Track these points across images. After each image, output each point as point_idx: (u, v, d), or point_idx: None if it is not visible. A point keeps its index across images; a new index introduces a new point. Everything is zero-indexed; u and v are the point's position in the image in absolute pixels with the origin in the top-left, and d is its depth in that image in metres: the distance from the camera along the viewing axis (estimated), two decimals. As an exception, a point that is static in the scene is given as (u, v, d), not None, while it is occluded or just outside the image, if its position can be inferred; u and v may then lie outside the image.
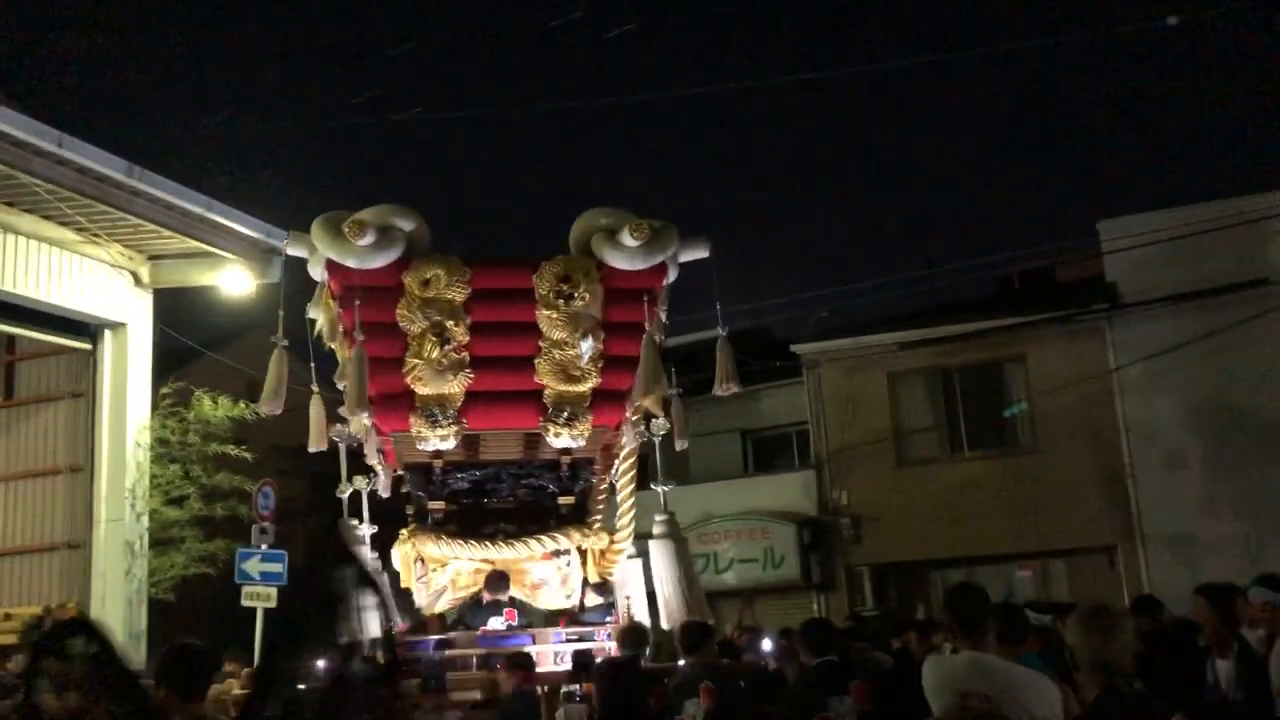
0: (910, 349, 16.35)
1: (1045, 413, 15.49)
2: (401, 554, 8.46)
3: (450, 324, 7.92)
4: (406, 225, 8.14)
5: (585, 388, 8.11)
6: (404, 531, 8.51)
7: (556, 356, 8.12)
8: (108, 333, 12.26)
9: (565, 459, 8.27)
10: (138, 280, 12.47)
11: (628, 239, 8.11)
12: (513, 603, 8.25)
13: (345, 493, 8.90)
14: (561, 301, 7.98)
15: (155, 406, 12.66)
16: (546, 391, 8.18)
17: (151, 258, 12.50)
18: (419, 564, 8.32)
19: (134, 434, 12.10)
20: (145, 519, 12.16)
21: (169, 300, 13.47)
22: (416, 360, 7.88)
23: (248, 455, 12.80)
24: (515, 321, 8.15)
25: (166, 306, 13.47)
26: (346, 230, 7.74)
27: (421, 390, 7.99)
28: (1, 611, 11.86)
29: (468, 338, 8.03)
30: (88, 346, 12.22)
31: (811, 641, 5.28)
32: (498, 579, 8.14)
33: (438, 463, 8.23)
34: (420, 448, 8.12)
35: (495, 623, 8.07)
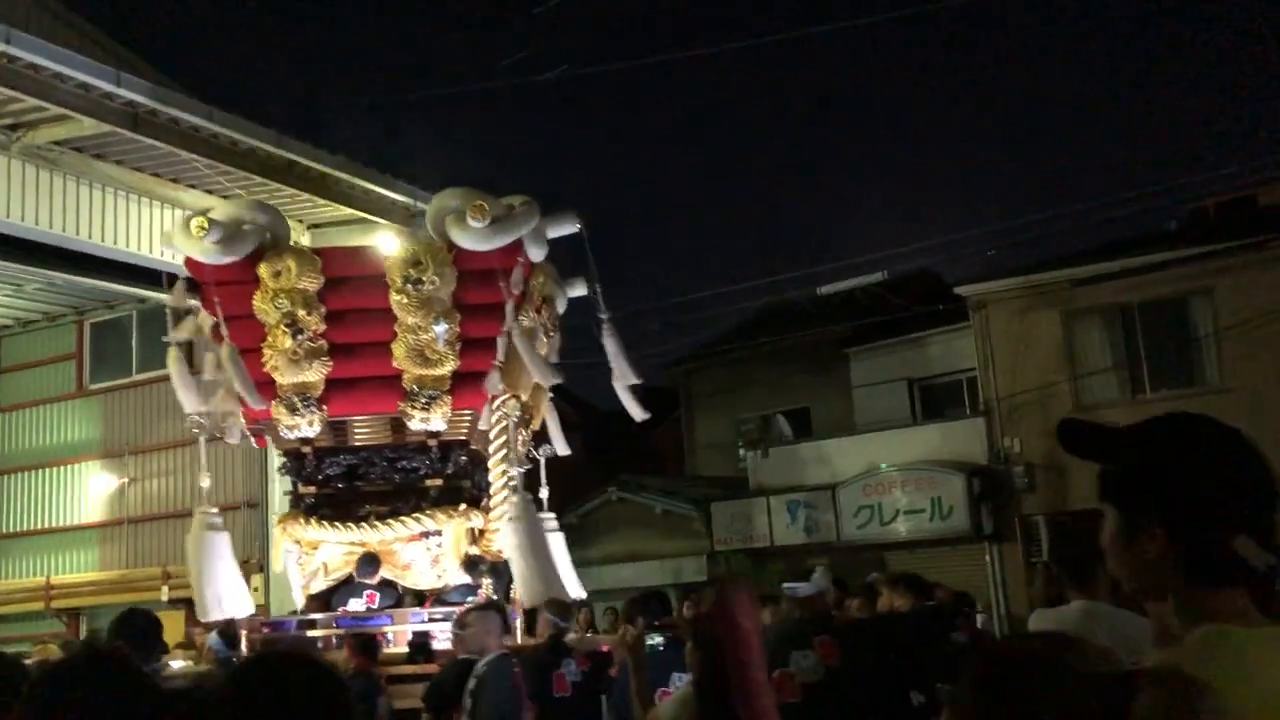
0: (1087, 286, 15.44)
1: (1234, 349, 14.39)
2: (276, 538, 8.85)
3: (303, 313, 8.08)
4: (260, 219, 8.39)
5: (444, 371, 8.21)
6: (278, 516, 8.93)
7: (412, 341, 8.22)
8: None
9: (433, 442, 8.41)
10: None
11: (470, 220, 8.09)
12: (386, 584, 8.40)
13: (205, 483, 9.17)
14: (411, 286, 8.02)
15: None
16: (405, 376, 8.32)
17: (311, 226, 12.95)
18: (296, 547, 8.62)
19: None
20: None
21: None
22: (271, 350, 8.14)
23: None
24: (370, 308, 8.24)
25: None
26: (193, 228, 8.08)
27: (280, 379, 8.24)
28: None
29: (323, 326, 8.21)
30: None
31: None
32: (367, 561, 8.34)
33: (307, 449, 8.48)
34: (285, 435, 8.39)
35: (355, 604, 8.29)
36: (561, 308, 9.72)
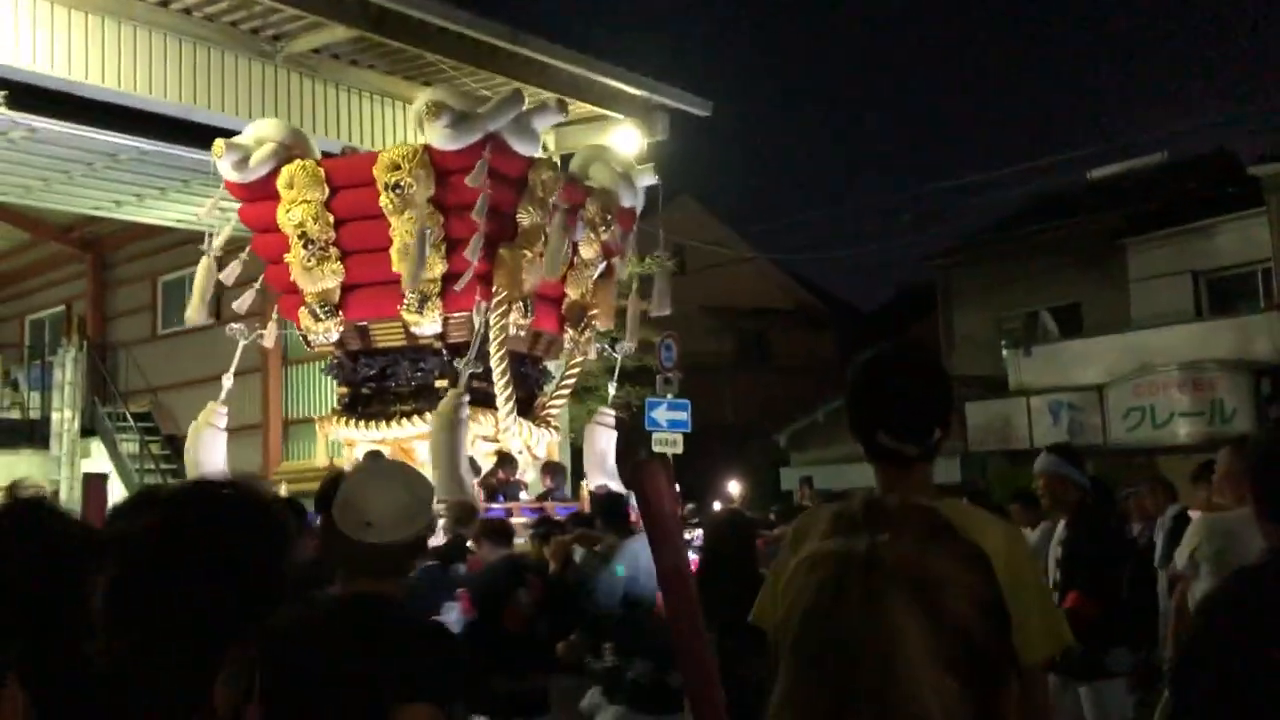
0: None
1: None
2: (321, 437, 9.18)
3: (312, 223, 8.29)
4: (279, 136, 8.73)
5: (434, 274, 8.16)
6: (318, 417, 9.29)
7: (401, 245, 8.23)
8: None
9: (439, 344, 8.52)
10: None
11: (428, 120, 8.05)
12: None
13: (228, 383, 9.49)
14: (392, 191, 8.02)
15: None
16: (402, 278, 8.32)
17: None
18: (334, 446, 9.05)
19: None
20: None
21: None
22: (290, 260, 8.49)
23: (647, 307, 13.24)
24: (369, 214, 8.23)
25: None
26: (214, 151, 8.73)
27: (305, 287, 8.56)
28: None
29: (333, 233, 8.37)
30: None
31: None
32: (370, 458, 8.29)
33: (338, 352, 8.83)
34: (314, 340, 8.75)
35: None
36: (629, 200, 9.41)
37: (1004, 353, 18.67)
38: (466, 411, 8.12)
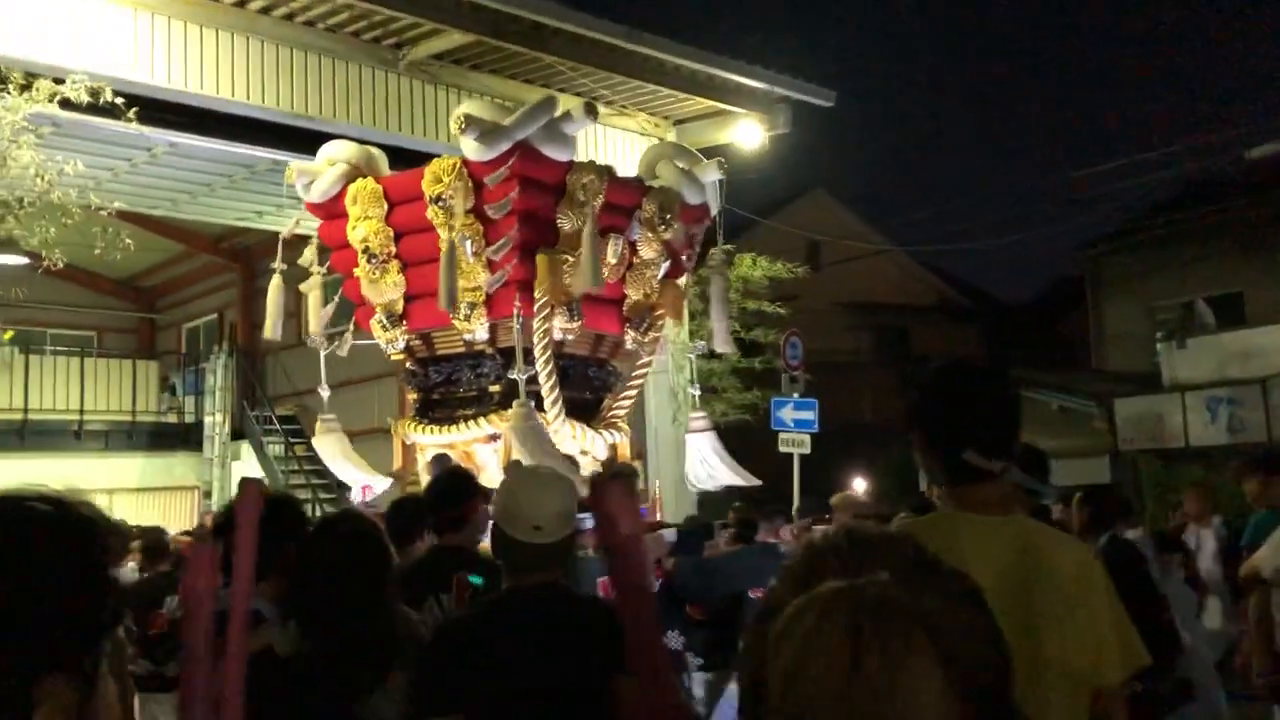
0: None
1: None
2: (397, 441, 9.44)
3: (374, 237, 8.58)
4: (347, 155, 8.96)
5: (477, 281, 8.34)
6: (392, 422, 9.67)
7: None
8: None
9: (491, 349, 8.72)
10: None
11: (456, 132, 8.20)
12: None
13: (325, 393, 9.88)
14: (436, 203, 8.20)
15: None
16: (438, 292, 8.49)
17: (677, 122, 13.03)
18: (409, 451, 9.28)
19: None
20: (687, 370, 12.97)
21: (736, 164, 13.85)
22: (359, 273, 8.82)
23: (781, 310, 13.05)
24: (422, 226, 8.40)
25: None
26: (286, 175, 9.17)
27: (372, 299, 8.84)
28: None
29: (394, 246, 8.63)
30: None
31: None
32: (436, 461, 8.69)
33: (409, 360, 9.16)
34: (387, 349, 9.14)
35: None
36: (695, 197, 9.22)
37: (1157, 346, 17.74)
38: (535, 416, 8.30)
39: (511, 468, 6.07)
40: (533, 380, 8.51)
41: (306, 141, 10.65)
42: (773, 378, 13.54)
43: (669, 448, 12.48)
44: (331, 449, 9.72)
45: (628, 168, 10.86)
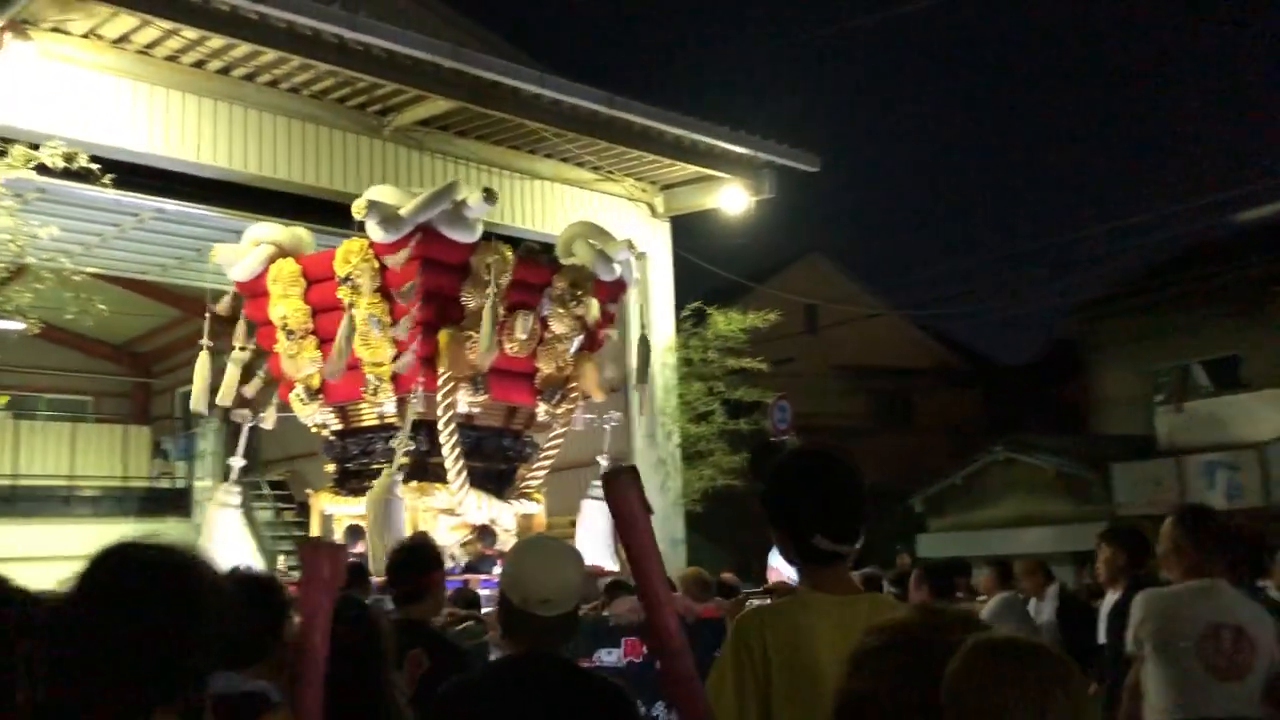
0: None
1: None
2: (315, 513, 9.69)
3: (293, 315, 8.93)
4: (271, 237, 9.37)
5: (382, 357, 8.70)
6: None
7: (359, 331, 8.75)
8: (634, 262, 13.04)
9: (400, 422, 8.90)
10: (654, 211, 13.14)
11: (357, 215, 8.59)
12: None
13: (236, 465, 9.93)
14: (345, 282, 8.58)
15: (678, 329, 13.26)
16: (363, 363, 8.89)
17: (664, 188, 13.08)
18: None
19: (660, 356, 12.77)
20: (675, 436, 12.86)
21: (718, 230, 13.84)
22: (278, 349, 9.18)
23: (761, 366, 12.84)
24: (335, 305, 8.68)
25: (718, 234, 13.92)
26: (210, 256, 9.69)
27: (291, 374, 9.20)
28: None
29: (311, 323, 8.99)
30: (615, 278, 13.15)
31: None
32: (350, 532, 8.82)
33: (327, 432, 9.55)
34: (307, 421, 9.56)
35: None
36: (610, 274, 9.54)
37: (1158, 409, 17.62)
38: (400, 490, 8.45)
39: (522, 538, 6.05)
40: (435, 451, 8.74)
41: (295, 207, 10.71)
42: (763, 439, 13.38)
43: (655, 517, 12.34)
44: (221, 527, 9.57)
45: (617, 231, 10.90)
